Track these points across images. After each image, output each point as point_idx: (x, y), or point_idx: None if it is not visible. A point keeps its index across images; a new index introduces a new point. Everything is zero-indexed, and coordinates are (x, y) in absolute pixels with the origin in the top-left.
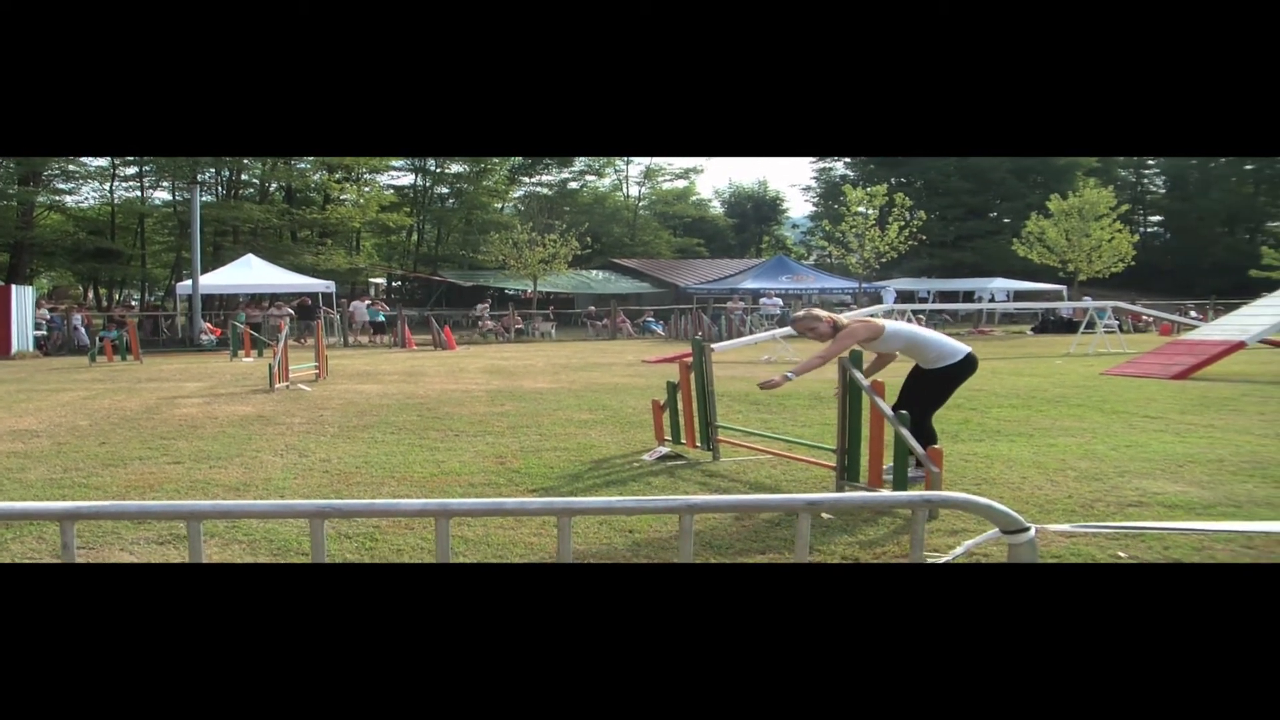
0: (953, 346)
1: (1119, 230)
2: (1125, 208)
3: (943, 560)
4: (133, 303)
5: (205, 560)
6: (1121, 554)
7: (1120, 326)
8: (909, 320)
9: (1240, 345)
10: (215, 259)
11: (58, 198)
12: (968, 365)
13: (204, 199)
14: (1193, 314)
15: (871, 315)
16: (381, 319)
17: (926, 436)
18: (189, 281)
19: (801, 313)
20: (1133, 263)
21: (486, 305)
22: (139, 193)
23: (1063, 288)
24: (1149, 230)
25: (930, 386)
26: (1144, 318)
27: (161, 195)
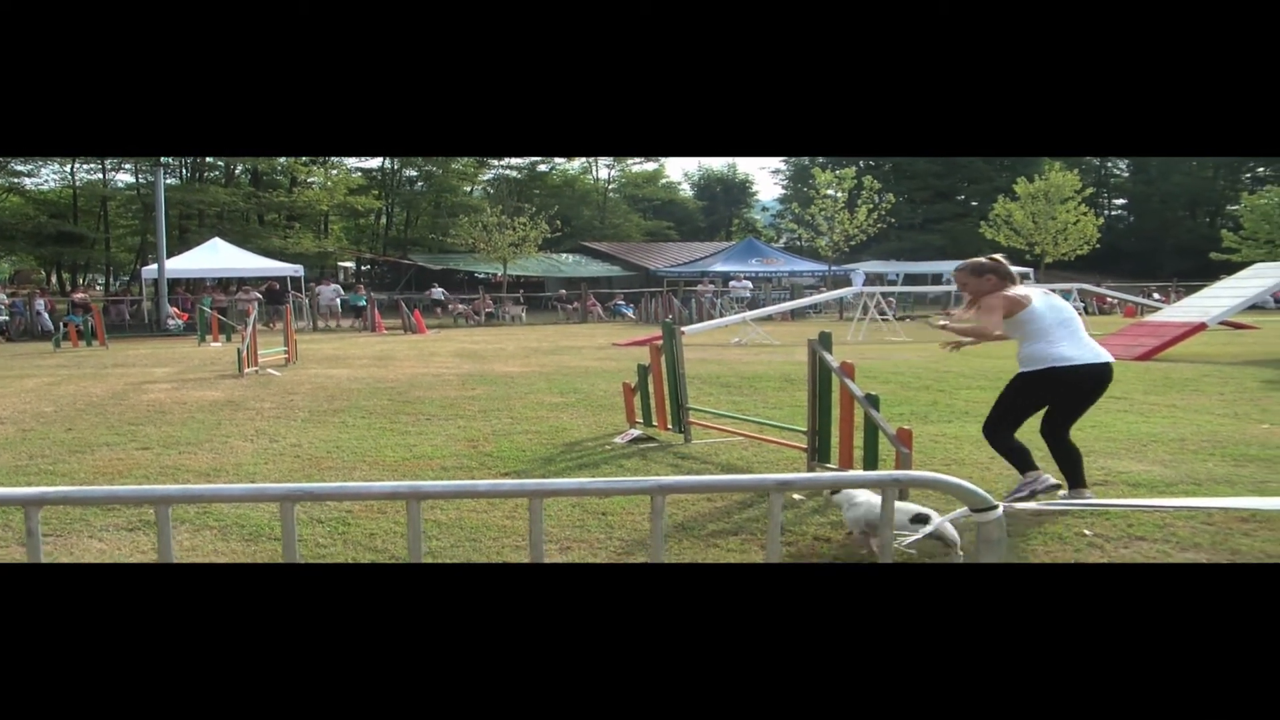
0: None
1: (1084, 213)
2: (1090, 191)
3: (912, 538)
4: (96, 286)
5: (175, 545)
6: (1087, 531)
7: (1085, 308)
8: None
9: (1201, 327)
10: (181, 243)
11: (16, 180)
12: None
13: (168, 181)
14: (1156, 296)
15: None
16: (363, 303)
17: (1063, 452)
18: (154, 265)
19: (984, 261)
20: (1098, 245)
21: (441, 289)
22: (101, 175)
23: (1030, 270)
24: (1113, 213)
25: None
26: (1109, 300)
27: (124, 178)
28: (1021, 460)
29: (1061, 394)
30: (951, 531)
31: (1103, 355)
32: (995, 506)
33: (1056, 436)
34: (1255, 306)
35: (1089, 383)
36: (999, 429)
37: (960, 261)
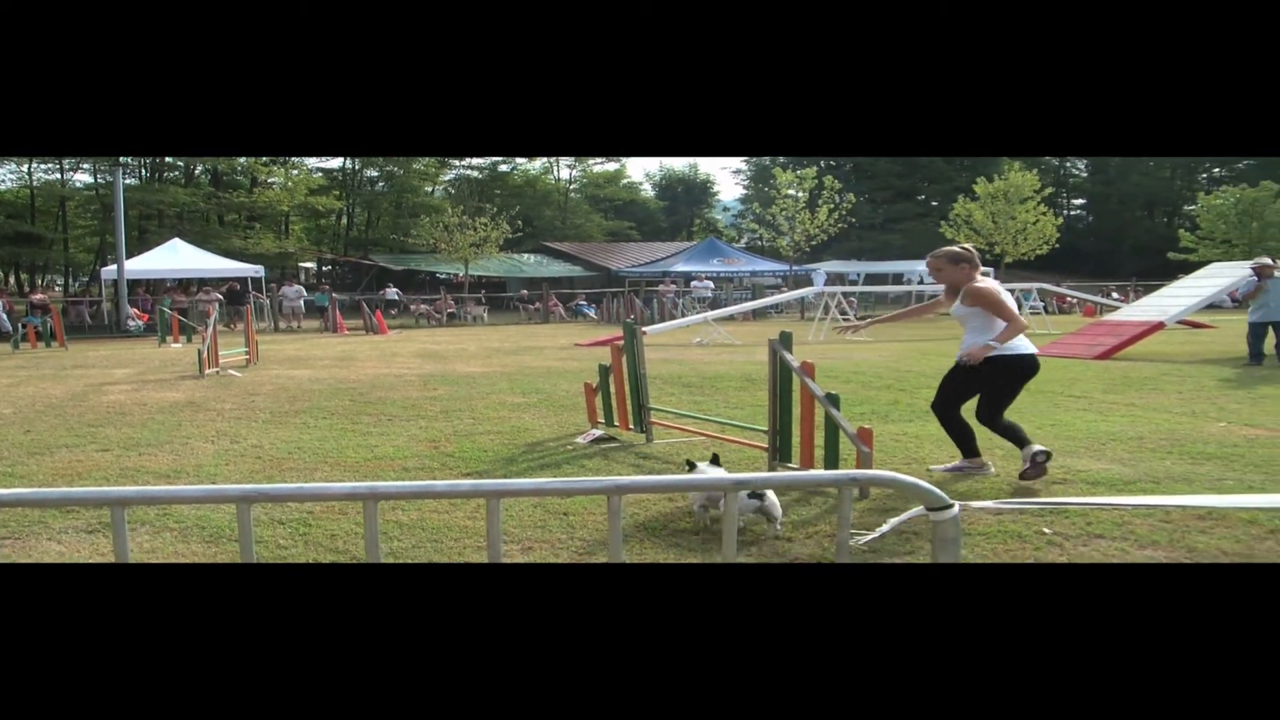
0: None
1: (1043, 213)
2: (1049, 191)
3: (869, 538)
4: (55, 287)
5: (135, 548)
6: (1046, 530)
7: (1045, 308)
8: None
9: (1160, 326)
10: (141, 243)
11: None
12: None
13: (127, 181)
14: (1114, 295)
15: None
16: (327, 303)
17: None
18: (114, 266)
19: (960, 250)
20: (1057, 245)
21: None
22: (59, 175)
23: (990, 269)
24: (1072, 213)
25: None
26: (1068, 299)
27: (83, 178)
28: (972, 442)
29: (1016, 381)
30: (777, 511)
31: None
32: (950, 505)
33: (996, 419)
34: (1212, 306)
35: (1032, 372)
36: (955, 409)
37: (935, 250)
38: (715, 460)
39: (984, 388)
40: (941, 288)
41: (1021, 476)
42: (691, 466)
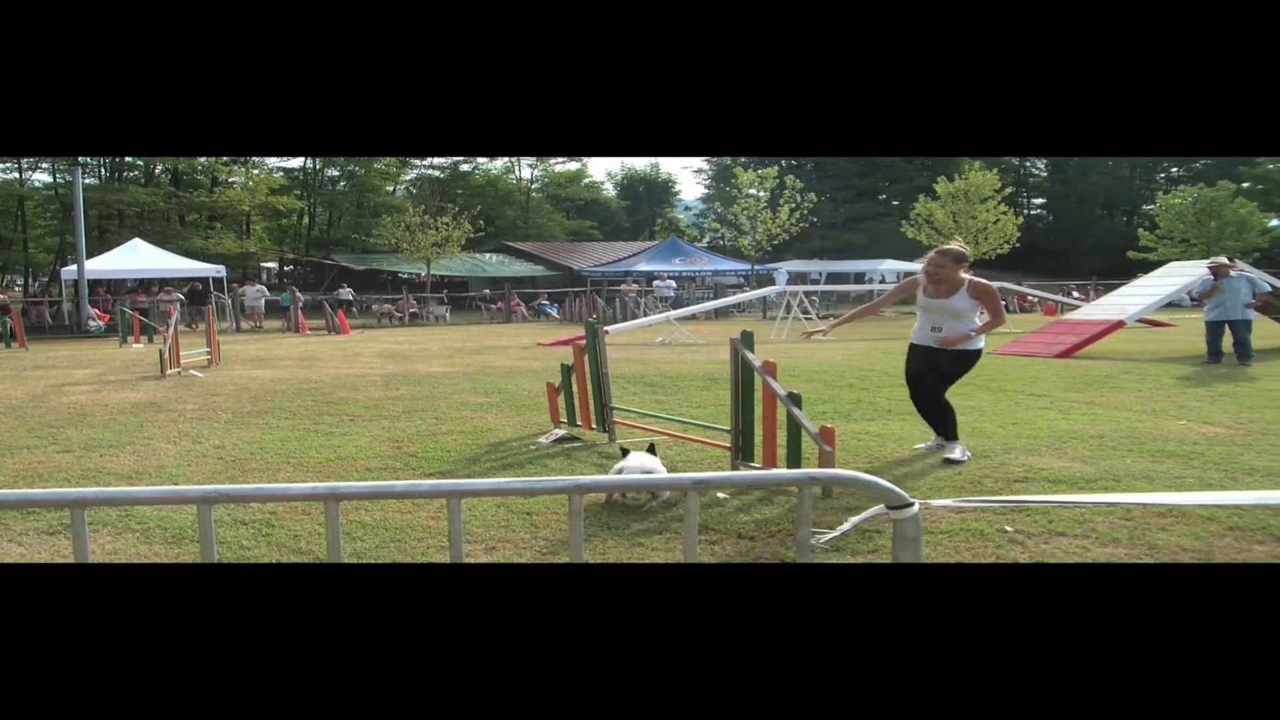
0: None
1: (1004, 212)
2: (1009, 190)
3: (830, 536)
4: (15, 287)
5: (97, 549)
6: (1008, 528)
7: (1007, 307)
8: None
9: (1120, 324)
10: (101, 243)
11: None
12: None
13: (87, 181)
14: (1075, 294)
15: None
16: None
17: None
18: (74, 266)
19: (956, 248)
20: (1018, 244)
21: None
22: (18, 175)
23: None
24: (1032, 213)
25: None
26: (1029, 298)
27: (42, 177)
28: (953, 424)
29: (969, 370)
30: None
31: None
32: (911, 504)
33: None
34: (1171, 304)
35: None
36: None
37: (942, 248)
38: (651, 450)
39: (945, 370)
40: (895, 281)
41: (925, 446)
42: (625, 453)
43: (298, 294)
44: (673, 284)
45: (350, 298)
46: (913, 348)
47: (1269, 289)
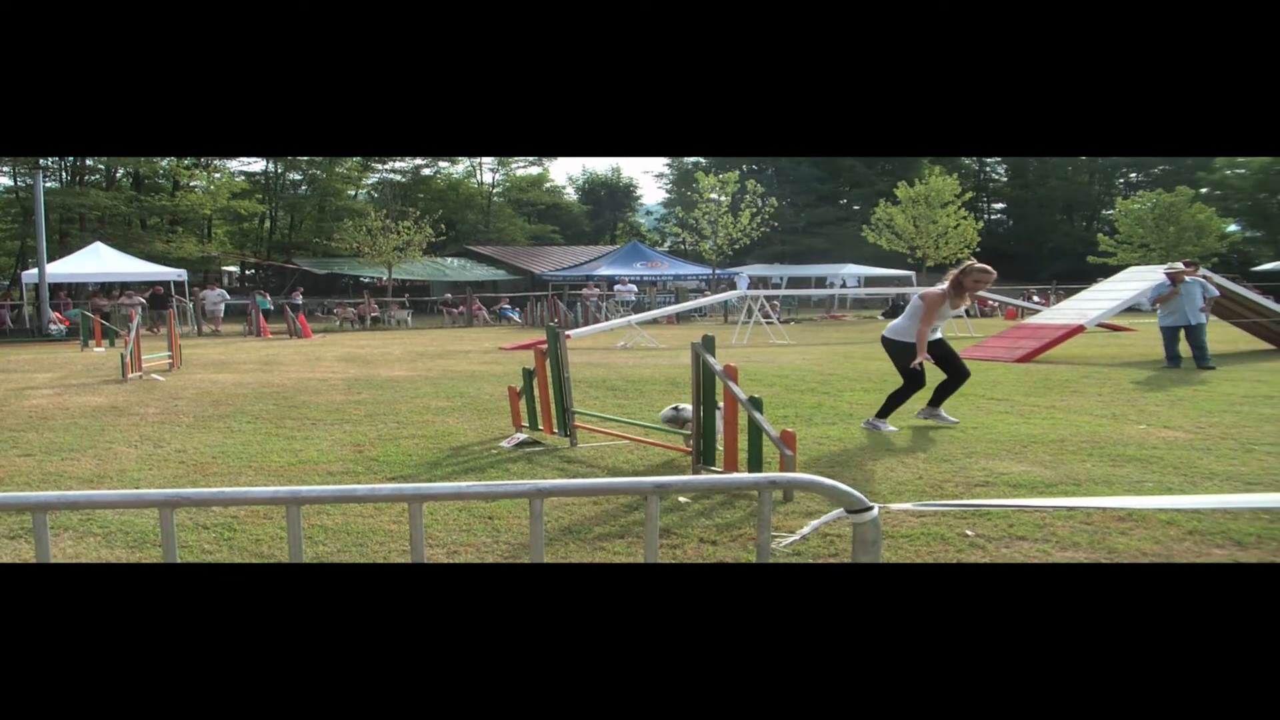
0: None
1: (964, 217)
2: (969, 195)
3: (789, 540)
4: None
5: (59, 553)
6: (969, 532)
7: (968, 311)
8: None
9: (1080, 329)
10: (62, 247)
11: None
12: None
13: (47, 184)
14: (1035, 299)
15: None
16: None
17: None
18: (35, 270)
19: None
20: (978, 249)
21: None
22: None
23: (911, 273)
24: (993, 217)
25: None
26: (990, 302)
27: (2, 180)
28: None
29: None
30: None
31: None
32: (870, 508)
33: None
34: (1131, 309)
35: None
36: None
37: (987, 267)
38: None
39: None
40: (856, 285)
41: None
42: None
43: (269, 297)
44: (634, 288)
45: (299, 301)
46: (931, 344)
47: (1217, 293)
